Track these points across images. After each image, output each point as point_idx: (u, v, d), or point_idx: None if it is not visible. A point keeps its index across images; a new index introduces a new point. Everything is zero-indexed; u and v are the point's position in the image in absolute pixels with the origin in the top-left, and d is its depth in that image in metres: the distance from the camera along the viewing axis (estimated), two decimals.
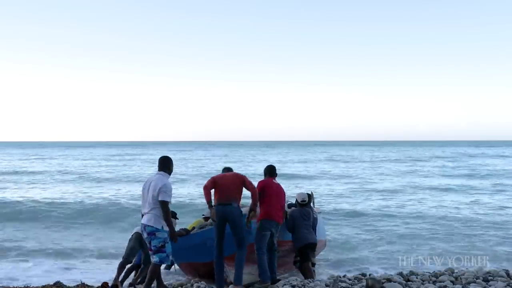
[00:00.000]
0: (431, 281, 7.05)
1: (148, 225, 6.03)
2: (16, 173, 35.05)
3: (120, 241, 11.06)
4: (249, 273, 7.10)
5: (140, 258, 7.69)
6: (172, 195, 6.35)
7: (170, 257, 6.17)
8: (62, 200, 19.27)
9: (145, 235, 6.13)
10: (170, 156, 6.45)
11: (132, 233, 7.68)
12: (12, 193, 22.18)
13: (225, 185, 6.80)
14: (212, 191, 6.85)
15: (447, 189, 24.49)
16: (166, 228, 6.02)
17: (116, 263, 7.91)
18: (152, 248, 6.04)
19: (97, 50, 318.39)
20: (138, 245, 7.46)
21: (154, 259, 6.07)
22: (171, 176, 6.35)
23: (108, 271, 9.03)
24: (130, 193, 21.98)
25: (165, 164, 6.25)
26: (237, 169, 24.67)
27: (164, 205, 5.94)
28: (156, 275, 6.23)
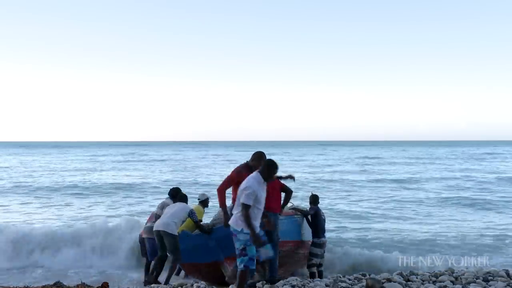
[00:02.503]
0: (431, 281, 7.05)
1: (230, 225, 5.85)
2: None
3: None
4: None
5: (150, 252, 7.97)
6: None
7: (254, 261, 5.77)
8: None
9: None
10: (272, 161, 5.95)
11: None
12: None
13: None
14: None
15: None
16: (247, 230, 5.72)
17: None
18: (236, 251, 5.81)
19: (97, 50, 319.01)
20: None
21: (239, 265, 5.76)
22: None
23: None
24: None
25: (261, 168, 5.90)
26: None
27: (243, 207, 5.66)
28: (245, 281, 5.83)
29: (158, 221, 7.51)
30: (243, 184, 5.76)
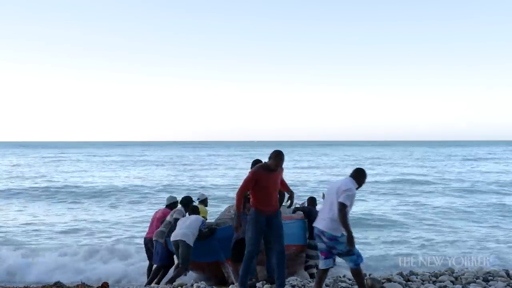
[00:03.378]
0: (431, 281, 7.04)
1: (326, 231, 5.77)
2: None
3: None
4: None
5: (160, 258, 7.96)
6: None
7: (360, 256, 5.83)
8: None
9: (325, 239, 5.83)
10: (364, 170, 6.03)
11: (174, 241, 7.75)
12: None
13: None
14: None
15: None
16: (345, 233, 5.71)
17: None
18: (335, 252, 5.80)
19: (97, 50, 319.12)
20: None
21: (349, 263, 5.81)
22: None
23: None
24: None
25: (354, 174, 5.92)
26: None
27: (341, 206, 5.61)
28: (363, 276, 5.92)
29: (177, 232, 7.62)
30: (343, 185, 5.74)
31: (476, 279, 7.06)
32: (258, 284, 6.76)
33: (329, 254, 5.85)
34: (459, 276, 7.28)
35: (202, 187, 24.40)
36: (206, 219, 8.42)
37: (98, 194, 22.59)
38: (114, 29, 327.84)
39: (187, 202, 8.31)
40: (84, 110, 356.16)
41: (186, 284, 7.14)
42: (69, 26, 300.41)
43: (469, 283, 6.87)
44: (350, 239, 5.60)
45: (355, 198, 5.85)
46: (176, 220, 7.94)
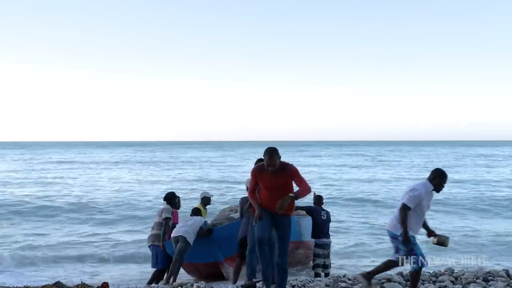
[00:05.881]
0: (431, 281, 7.04)
1: (388, 230, 5.83)
2: None
3: None
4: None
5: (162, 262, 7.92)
6: None
7: (424, 259, 5.81)
8: None
9: (389, 238, 5.89)
10: (443, 170, 5.81)
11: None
12: None
13: None
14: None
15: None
16: (410, 232, 5.72)
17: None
18: (401, 252, 5.80)
19: (97, 50, 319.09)
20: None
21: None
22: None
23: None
24: None
25: (431, 176, 5.79)
26: None
27: (402, 207, 5.62)
28: (418, 279, 6.00)
29: (179, 228, 7.71)
30: (411, 186, 5.80)
31: (476, 279, 7.05)
32: (258, 284, 6.77)
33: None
34: (459, 276, 7.27)
35: (207, 191, 24.29)
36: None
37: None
38: (114, 29, 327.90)
39: (170, 197, 8.32)
40: (84, 110, 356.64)
41: (186, 284, 7.14)
42: (69, 26, 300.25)
43: (469, 283, 6.86)
44: (405, 238, 5.60)
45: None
46: (167, 219, 7.98)
